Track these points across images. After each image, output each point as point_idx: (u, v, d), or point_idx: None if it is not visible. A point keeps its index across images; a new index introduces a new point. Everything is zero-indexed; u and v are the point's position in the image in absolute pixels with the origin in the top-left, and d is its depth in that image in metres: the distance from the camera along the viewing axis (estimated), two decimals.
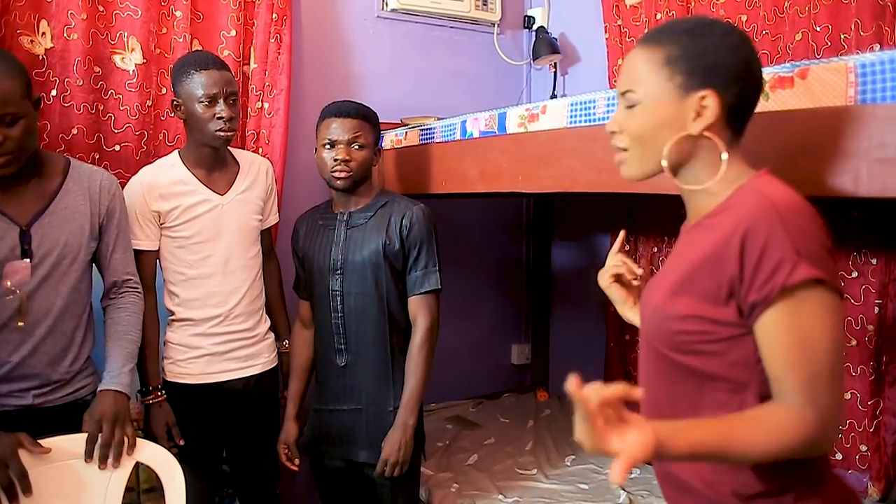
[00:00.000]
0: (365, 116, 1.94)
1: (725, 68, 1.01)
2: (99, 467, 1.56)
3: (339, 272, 1.94)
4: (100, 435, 1.56)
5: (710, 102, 1.01)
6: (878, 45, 1.82)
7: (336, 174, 1.90)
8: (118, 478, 1.58)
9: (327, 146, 1.91)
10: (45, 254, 1.58)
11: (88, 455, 1.56)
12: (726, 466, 1.02)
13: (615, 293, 1.39)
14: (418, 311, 1.93)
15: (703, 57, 1.01)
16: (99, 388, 1.63)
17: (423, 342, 1.91)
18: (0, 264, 1.54)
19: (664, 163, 1.06)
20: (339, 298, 1.94)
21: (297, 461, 2.06)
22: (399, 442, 1.86)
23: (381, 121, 2.38)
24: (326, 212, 2.04)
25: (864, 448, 1.96)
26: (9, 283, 1.54)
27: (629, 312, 1.38)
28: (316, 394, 2.06)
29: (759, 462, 0.96)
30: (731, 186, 1.03)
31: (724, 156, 1.02)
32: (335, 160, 1.89)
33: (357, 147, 1.90)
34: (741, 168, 1.05)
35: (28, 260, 1.56)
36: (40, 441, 1.51)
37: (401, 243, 1.91)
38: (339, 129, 1.90)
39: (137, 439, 1.63)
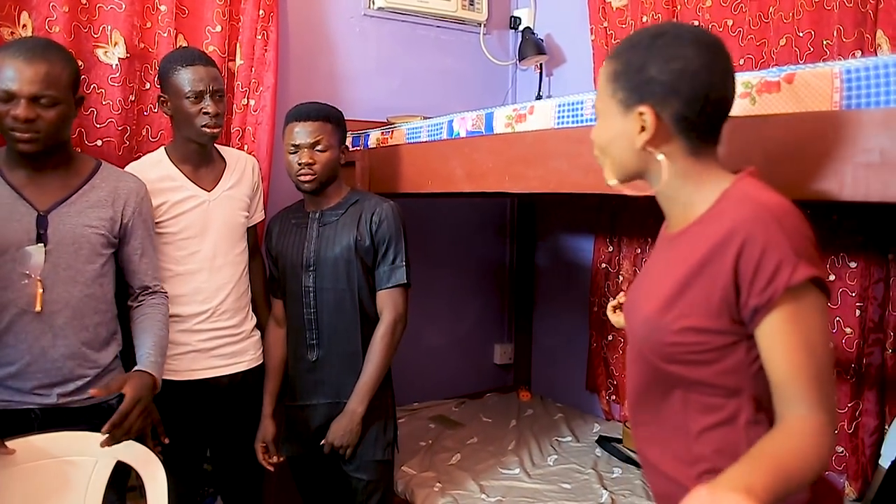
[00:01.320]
0: (326, 117, 1.95)
1: (660, 83, 1.00)
2: (101, 444, 1.50)
3: (311, 269, 1.96)
4: (127, 416, 1.51)
5: (646, 118, 1.01)
6: (860, 52, 1.84)
7: (301, 177, 1.94)
8: (98, 477, 1.56)
9: (292, 150, 1.95)
10: (60, 241, 1.58)
11: (110, 426, 1.49)
12: (713, 469, 1.01)
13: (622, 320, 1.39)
14: (384, 304, 1.96)
15: (641, 72, 1.02)
16: (136, 368, 1.60)
17: (384, 334, 1.94)
18: (16, 248, 1.54)
19: (613, 182, 1.11)
20: (311, 294, 1.96)
21: (274, 459, 2.06)
22: (345, 427, 1.90)
23: (366, 119, 2.37)
24: (299, 211, 2.06)
25: (840, 449, 1.99)
26: (23, 268, 1.55)
27: None
28: (288, 391, 2.07)
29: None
30: (714, 192, 1.03)
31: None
32: (299, 164, 1.93)
33: (320, 149, 1.93)
34: (718, 174, 1.05)
35: (42, 245, 1.56)
36: (7, 441, 1.47)
37: (371, 239, 1.95)
38: (301, 132, 1.93)
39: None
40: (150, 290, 1.77)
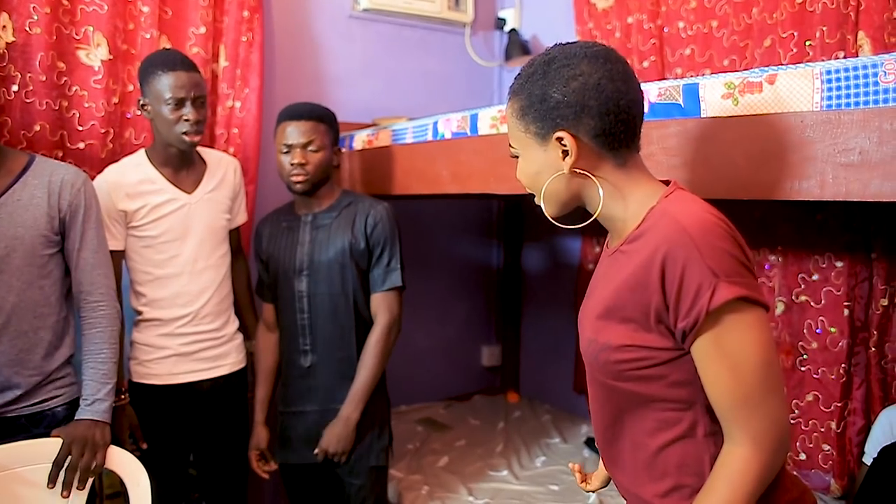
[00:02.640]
0: (319, 118, 1.93)
1: (567, 104, 1.00)
2: (62, 495, 1.49)
3: (304, 273, 1.94)
4: (68, 458, 1.49)
5: (567, 142, 1.01)
6: (843, 53, 1.85)
7: (293, 178, 1.91)
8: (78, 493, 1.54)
9: (284, 150, 1.92)
10: None
11: (52, 480, 1.49)
12: (678, 485, 1.02)
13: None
14: (379, 308, 1.94)
15: (546, 101, 1.01)
16: (76, 416, 1.56)
17: (379, 338, 1.92)
18: None
19: (554, 217, 1.10)
20: (305, 300, 1.94)
21: (267, 467, 2.05)
22: (339, 434, 1.87)
23: (352, 121, 2.35)
24: (289, 214, 2.04)
25: (826, 448, 2.00)
26: None
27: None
28: (280, 396, 2.05)
29: None
30: (644, 208, 1.02)
31: (600, 185, 1.04)
32: (291, 164, 1.90)
33: (312, 150, 1.91)
34: (646, 187, 1.04)
35: None
36: None
37: (366, 242, 1.93)
38: (293, 132, 1.91)
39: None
40: (90, 294, 1.63)
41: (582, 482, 1.40)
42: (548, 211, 1.10)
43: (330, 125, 1.97)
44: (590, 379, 1.12)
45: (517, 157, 1.10)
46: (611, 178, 1.04)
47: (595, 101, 1.00)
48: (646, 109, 1.11)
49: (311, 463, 1.96)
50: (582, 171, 1.03)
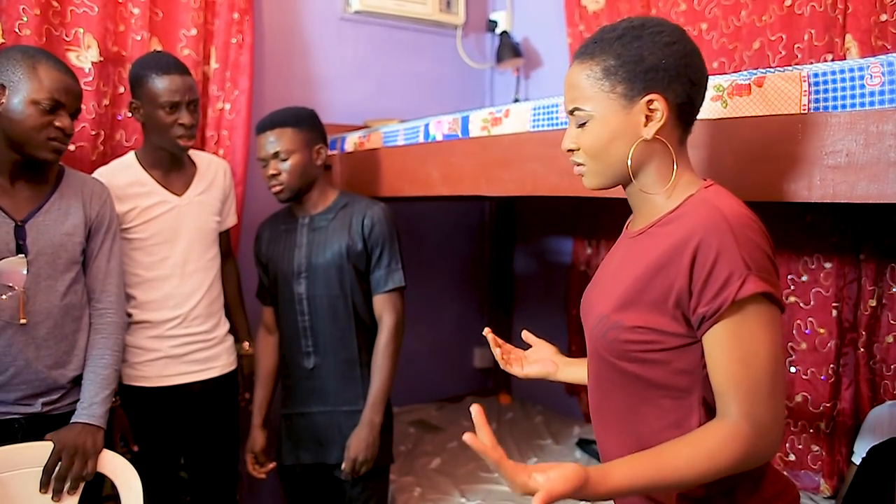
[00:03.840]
0: (282, 123, 1.91)
1: (663, 68, 1.00)
2: (52, 499, 1.50)
3: (303, 275, 1.94)
4: (58, 466, 1.51)
5: (657, 105, 1.01)
6: (831, 56, 1.87)
7: (273, 190, 1.93)
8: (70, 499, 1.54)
9: (262, 164, 1.94)
10: (40, 251, 1.56)
11: (44, 486, 1.50)
12: None
13: (533, 371, 1.38)
14: (383, 308, 1.93)
15: (640, 61, 1.01)
16: (71, 420, 1.58)
17: (388, 340, 1.92)
18: None
19: (594, 187, 1.09)
20: (304, 302, 1.94)
21: (263, 469, 2.05)
22: (366, 440, 1.86)
23: (343, 123, 2.34)
24: (288, 217, 2.03)
25: (816, 448, 2.01)
26: (4, 280, 1.52)
27: (567, 372, 1.38)
28: (282, 398, 2.04)
29: (697, 485, 0.97)
30: (683, 193, 1.04)
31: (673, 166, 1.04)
32: (268, 177, 1.92)
33: (281, 158, 1.90)
34: (690, 175, 1.06)
35: (23, 256, 1.54)
36: None
37: (363, 243, 1.92)
38: (262, 145, 1.92)
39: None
40: (98, 300, 1.70)
41: (503, 360, 1.38)
42: (595, 181, 1.09)
43: (298, 127, 1.92)
44: (592, 354, 1.13)
45: (583, 124, 1.06)
46: (675, 153, 1.04)
47: (688, 70, 1.01)
48: None
49: (317, 464, 1.97)
50: (662, 140, 1.03)
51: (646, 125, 1.02)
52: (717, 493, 1.01)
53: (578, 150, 1.08)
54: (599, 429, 1.16)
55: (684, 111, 1.04)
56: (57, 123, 1.53)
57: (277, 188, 1.92)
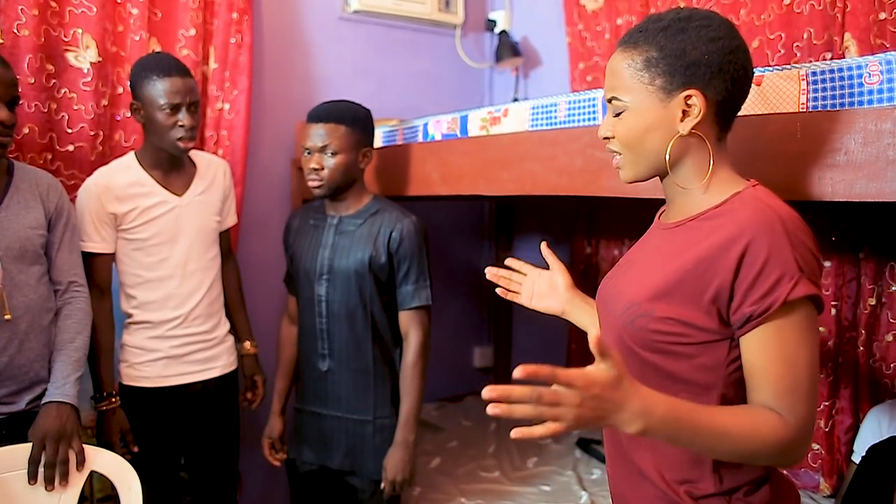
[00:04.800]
0: (339, 119, 1.86)
1: (706, 64, 0.99)
2: (46, 489, 1.50)
3: (325, 277, 1.92)
4: (43, 454, 1.50)
5: (695, 101, 0.99)
6: (830, 54, 1.87)
7: (310, 183, 1.88)
8: (71, 492, 1.54)
9: (306, 153, 1.88)
10: (8, 246, 1.56)
11: (32, 477, 1.50)
12: (685, 467, 1.03)
13: (542, 306, 1.43)
14: (410, 325, 1.91)
15: (683, 56, 0.99)
16: (42, 402, 1.58)
17: (416, 358, 1.90)
18: None
19: (629, 180, 1.07)
20: (324, 305, 1.92)
21: (279, 455, 2.06)
22: (404, 459, 1.86)
23: None
24: (319, 211, 2.01)
25: (815, 447, 2.01)
26: None
27: (577, 316, 1.39)
28: (298, 392, 2.06)
29: (726, 458, 0.97)
30: (726, 189, 1.02)
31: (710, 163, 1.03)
32: (308, 168, 1.86)
33: (329, 154, 1.85)
34: (730, 172, 1.05)
35: None
36: None
37: (388, 257, 1.88)
38: (312, 135, 1.86)
39: (92, 448, 1.59)
40: (65, 290, 1.70)
41: (503, 291, 1.42)
42: (630, 172, 1.08)
43: (352, 126, 1.87)
44: (612, 341, 1.09)
45: (619, 113, 1.05)
46: (712, 150, 1.03)
47: (731, 67, 1.00)
48: None
49: (321, 464, 1.97)
50: (700, 135, 1.01)
51: (682, 120, 1.01)
52: (721, 493, 1.01)
53: (614, 138, 1.08)
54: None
55: (724, 108, 1.02)
56: None
57: (316, 183, 1.86)
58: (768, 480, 1.04)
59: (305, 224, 2.02)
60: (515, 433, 0.83)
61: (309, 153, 1.87)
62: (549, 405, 0.82)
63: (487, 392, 0.82)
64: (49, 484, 1.50)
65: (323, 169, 1.85)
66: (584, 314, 1.37)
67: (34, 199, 1.63)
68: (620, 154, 1.08)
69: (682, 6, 2.31)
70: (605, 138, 1.09)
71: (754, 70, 1.05)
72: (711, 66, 0.99)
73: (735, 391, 0.99)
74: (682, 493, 1.03)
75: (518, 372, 0.80)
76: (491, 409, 0.82)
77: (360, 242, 1.89)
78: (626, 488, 1.14)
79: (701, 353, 0.99)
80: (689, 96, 0.99)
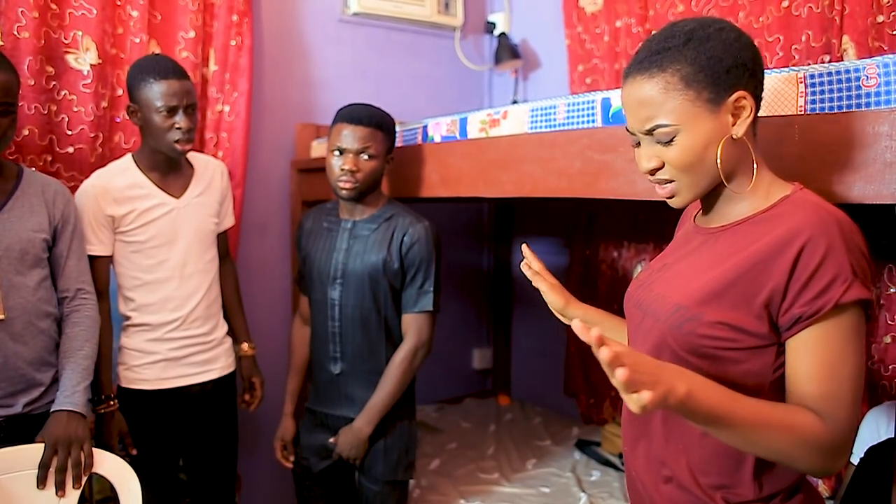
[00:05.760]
0: (378, 125, 1.86)
1: (742, 64, 0.99)
2: (57, 494, 1.51)
3: (338, 281, 1.92)
4: (55, 459, 1.51)
5: (745, 102, 0.99)
6: (828, 57, 1.87)
7: (341, 184, 1.86)
8: (71, 494, 1.54)
9: (336, 153, 1.86)
10: (8, 247, 1.57)
11: (41, 481, 1.50)
12: (724, 471, 1.02)
13: (549, 298, 1.38)
14: (408, 329, 1.92)
15: (720, 62, 0.98)
16: (52, 409, 1.59)
17: (403, 359, 1.90)
18: None
19: (685, 202, 1.06)
20: (336, 308, 1.92)
21: (292, 458, 2.07)
22: (351, 443, 1.88)
23: None
24: (332, 214, 2.00)
25: None
26: None
27: (574, 311, 1.36)
28: (311, 394, 2.06)
29: (762, 454, 0.95)
30: (772, 192, 1.01)
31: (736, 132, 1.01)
32: (342, 169, 1.84)
33: (366, 157, 1.84)
34: (771, 174, 1.04)
35: None
36: None
37: (400, 262, 1.89)
38: (349, 136, 1.84)
39: (93, 450, 1.59)
40: (73, 298, 1.71)
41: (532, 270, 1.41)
42: (689, 195, 1.04)
43: (388, 133, 1.89)
44: (652, 344, 1.07)
45: (669, 140, 1.01)
46: (754, 151, 1.03)
47: (757, 65, 1.01)
48: None
49: (335, 465, 1.98)
50: (743, 139, 1.00)
51: (734, 124, 1.00)
52: (760, 499, 1.01)
53: (662, 167, 1.03)
54: (638, 426, 1.13)
55: (759, 105, 1.02)
56: None
57: (350, 185, 1.84)
58: (801, 490, 1.03)
59: (319, 226, 2.01)
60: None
61: (341, 153, 1.85)
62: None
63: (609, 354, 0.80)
64: (60, 489, 1.51)
65: (359, 171, 1.84)
66: (602, 328, 1.36)
67: (39, 205, 1.65)
68: (674, 181, 1.04)
69: (680, 10, 2.32)
70: (652, 170, 1.05)
71: None
72: (747, 65, 0.99)
73: (780, 398, 0.97)
74: (719, 499, 1.02)
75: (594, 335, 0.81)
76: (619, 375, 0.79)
77: (374, 247, 1.89)
78: (652, 494, 1.12)
79: (748, 358, 0.98)
80: (737, 99, 0.99)
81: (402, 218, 1.92)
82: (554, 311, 1.39)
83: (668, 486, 1.08)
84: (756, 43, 1.03)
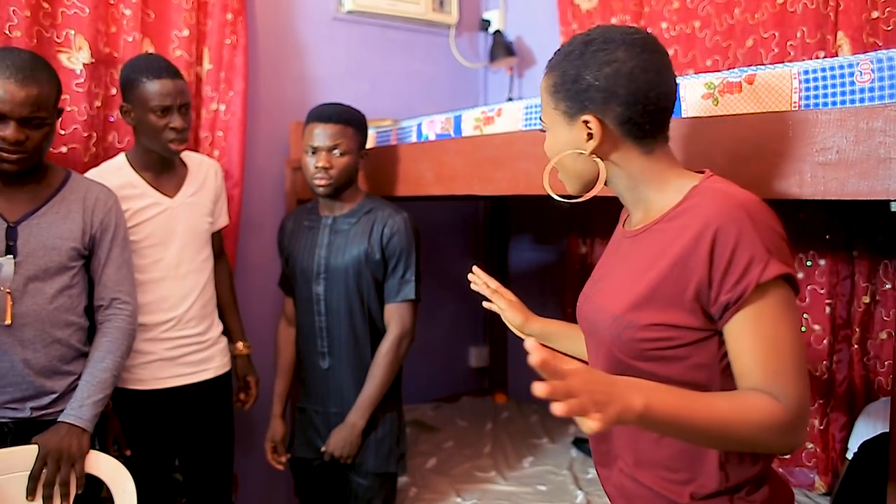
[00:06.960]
0: (348, 121, 1.93)
1: (598, 89, 1.02)
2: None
3: (322, 276, 1.95)
4: (44, 472, 1.49)
5: (593, 126, 1.03)
6: (823, 53, 1.87)
7: (317, 181, 1.91)
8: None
9: (310, 152, 1.91)
10: (30, 253, 1.57)
11: (30, 493, 1.49)
12: (689, 464, 1.03)
13: (507, 316, 1.43)
14: (391, 318, 1.95)
15: (578, 82, 1.03)
16: (58, 419, 1.56)
17: (388, 349, 1.93)
18: None
19: (575, 193, 1.11)
20: (322, 303, 1.95)
21: (283, 459, 2.08)
22: (345, 439, 1.90)
23: None
24: (312, 213, 2.04)
25: (810, 445, 2.01)
26: None
27: (534, 329, 1.41)
28: (301, 392, 2.07)
29: (727, 448, 0.97)
30: (681, 187, 1.03)
31: (598, 161, 1.06)
32: (316, 167, 1.90)
33: (339, 153, 1.90)
34: (680, 171, 1.07)
35: (11, 256, 1.54)
36: None
37: (381, 253, 1.92)
38: (320, 134, 1.90)
39: (87, 457, 1.57)
40: (108, 306, 1.70)
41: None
42: (567, 187, 1.14)
43: (358, 128, 1.96)
44: (604, 356, 1.09)
45: (545, 131, 1.12)
46: (636, 164, 1.05)
47: (624, 90, 1.01)
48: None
49: (328, 462, 1.98)
50: (597, 160, 1.05)
51: (587, 142, 1.05)
52: (726, 490, 1.01)
53: None
54: (602, 438, 1.15)
55: (632, 127, 1.03)
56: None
57: (325, 181, 1.91)
58: (767, 480, 1.04)
59: (300, 226, 2.05)
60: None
61: (315, 152, 1.91)
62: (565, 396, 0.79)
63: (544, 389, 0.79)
64: (47, 502, 1.49)
65: (332, 168, 1.90)
66: (563, 340, 1.39)
67: (77, 211, 1.64)
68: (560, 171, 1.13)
69: (675, 7, 2.32)
70: None
71: (675, 83, 1.06)
72: (602, 91, 1.02)
73: (733, 386, 0.98)
74: (686, 495, 1.03)
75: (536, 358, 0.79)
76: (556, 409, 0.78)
77: (355, 240, 1.93)
78: (622, 493, 1.13)
79: (693, 353, 0.99)
80: (587, 121, 1.03)
81: (381, 211, 1.96)
82: (512, 329, 1.44)
83: (633, 484, 1.10)
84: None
